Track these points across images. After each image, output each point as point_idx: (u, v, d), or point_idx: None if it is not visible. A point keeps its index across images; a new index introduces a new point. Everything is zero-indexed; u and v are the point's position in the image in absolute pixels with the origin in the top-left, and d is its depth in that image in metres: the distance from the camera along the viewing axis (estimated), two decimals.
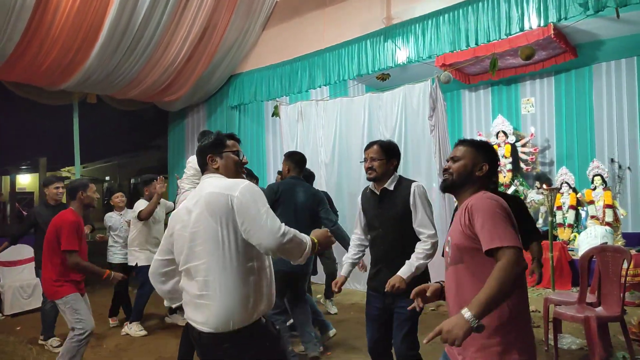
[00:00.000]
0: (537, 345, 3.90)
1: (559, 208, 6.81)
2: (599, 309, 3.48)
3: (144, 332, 4.76)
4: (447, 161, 1.93)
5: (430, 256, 2.55)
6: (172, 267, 2.05)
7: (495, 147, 7.52)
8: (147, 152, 13.80)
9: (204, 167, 2.08)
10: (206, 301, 1.84)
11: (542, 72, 7.46)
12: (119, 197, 5.50)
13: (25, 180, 20.33)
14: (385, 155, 2.63)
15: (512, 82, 8.02)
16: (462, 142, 1.93)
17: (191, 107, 8.56)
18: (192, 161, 4.21)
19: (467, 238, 1.69)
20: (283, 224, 1.84)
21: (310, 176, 4.77)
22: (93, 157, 13.55)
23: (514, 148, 7.46)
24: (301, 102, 6.96)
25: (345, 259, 2.90)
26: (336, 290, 2.75)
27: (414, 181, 2.65)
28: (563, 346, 3.86)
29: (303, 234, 1.90)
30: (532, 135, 7.48)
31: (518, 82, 8.00)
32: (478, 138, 7.70)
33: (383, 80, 6.01)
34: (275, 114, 7.13)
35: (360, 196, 2.85)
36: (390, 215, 2.62)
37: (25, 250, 6.18)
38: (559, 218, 6.77)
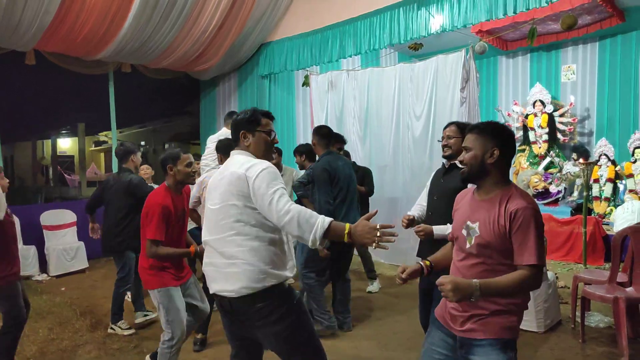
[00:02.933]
0: (563, 322, 3.92)
1: (596, 181, 6.61)
2: (630, 290, 3.42)
3: None
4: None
5: None
6: None
7: (532, 116, 7.28)
8: (180, 118, 14.04)
9: (236, 142, 2.16)
10: (234, 269, 1.97)
11: (586, 37, 7.09)
12: (144, 170, 5.29)
13: (66, 144, 21.09)
14: (462, 133, 2.69)
15: (553, 49, 7.66)
16: (471, 129, 1.91)
17: (222, 76, 8.58)
18: (213, 140, 4.14)
19: (500, 238, 1.75)
20: (291, 204, 1.91)
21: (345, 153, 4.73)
22: (129, 122, 13.91)
23: (551, 118, 7.18)
24: (331, 72, 6.87)
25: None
26: (405, 224, 2.74)
27: None
28: (590, 324, 3.84)
29: (317, 218, 1.86)
30: (571, 104, 7.18)
31: (559, 49, 7.63)
32: (512, 107, 7.54)
33: (416, 50, 5.86)
34: (306, 83, 7.09)
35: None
36: (450, 186, 2.69)
37: (67, 215, 6.52)
38: (595, 191, 6.58)
